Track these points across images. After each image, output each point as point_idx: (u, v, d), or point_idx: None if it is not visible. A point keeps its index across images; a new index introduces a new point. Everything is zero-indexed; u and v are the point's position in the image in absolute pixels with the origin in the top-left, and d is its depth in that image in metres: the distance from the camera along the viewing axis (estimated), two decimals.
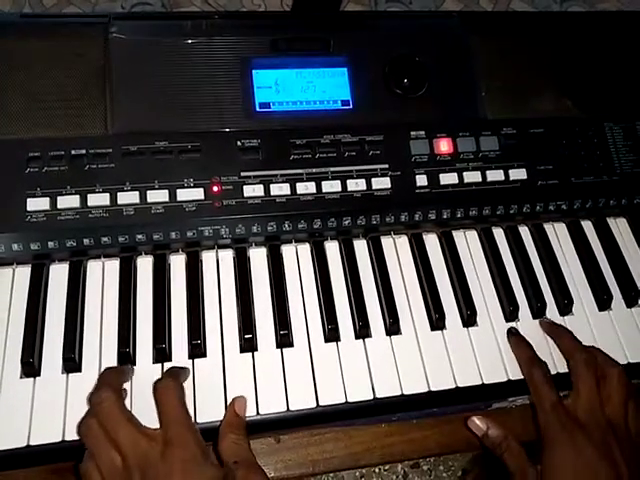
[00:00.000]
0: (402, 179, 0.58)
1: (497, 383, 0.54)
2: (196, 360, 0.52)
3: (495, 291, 0.59)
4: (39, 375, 0.50)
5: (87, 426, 0.44)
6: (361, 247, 0.59)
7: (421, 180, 0.59)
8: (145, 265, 0.56)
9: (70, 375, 0.50)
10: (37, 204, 0.52)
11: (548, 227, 0.63)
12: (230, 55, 0.60)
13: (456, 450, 0.56)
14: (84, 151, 0.54)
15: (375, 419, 0.54)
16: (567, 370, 0.53)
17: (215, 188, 0.55)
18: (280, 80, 0.60)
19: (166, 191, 0.54)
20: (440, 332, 0.56)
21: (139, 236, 0.54)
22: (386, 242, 0.60)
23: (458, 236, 0.61)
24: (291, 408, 0.50)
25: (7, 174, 0.53)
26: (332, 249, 0.59)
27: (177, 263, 0.56)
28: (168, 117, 0.57)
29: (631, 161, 0.63)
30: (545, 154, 0.62)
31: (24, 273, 0.54)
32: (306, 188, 0.56)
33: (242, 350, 0.53)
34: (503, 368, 0.54)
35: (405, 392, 0.52)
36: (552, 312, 0.58)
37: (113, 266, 0.55)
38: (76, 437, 0.46)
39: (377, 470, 1.15)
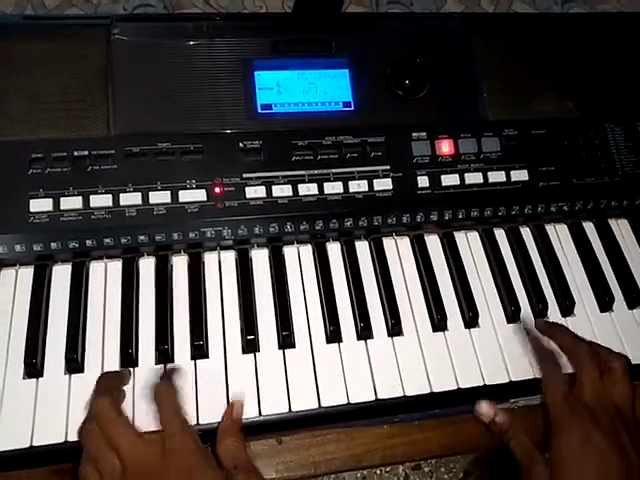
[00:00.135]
0: (404, 180, 0.58)
1: (499, 384, 0.53)
2: (198, 361, 0.52)
3: (497, 292, 0.59)
4: (42, 376, 0.50)
5: (87, 431, 0.44)
6: (363, 248, 0.59)
7: (423, 181, 0.59)
8: (147, 266, 0.56)
9: (73, 376, 0.50)
10: (40, 205, 0.52)
11: (550, 228, 0.63)
12: (232, 56, 0.60)
13: (458, 452, 0.56)
14: (86, 152, 0.54)
15: (377, 420, 0.54)
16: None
17: (217, 189, 0.55)
18: (282, 81, 0.60)
19: (168, 192, 0.54)
20: (442, 333, 0.56)
21: (141, 237, 0.54)
22: (388, 243, 0.60)
23: (460, 237, 0.61)
24: (293, 409, 0.50)
25: (10, 175, 0.53)
26: (334, 250, 0.59)
27: (179, 264, 0.56)
28: (170, 118, 0.57)
29: (632, 162, 0.63)
30: (546, 155, 0.62)
31: (27, 274, 0.54)
32: (308, 189, 0.56)
33: (244, 351, 0.53)
34: (505, 369, 0.54)
35: (407, 393, 0.52)
36: (554, 313, 0.58)
37: (115, 267, 0.55)
38: (77, 437, 0.46)
39: (378, 472, 1.15)
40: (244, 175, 0.56)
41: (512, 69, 0.65)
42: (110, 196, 0.53)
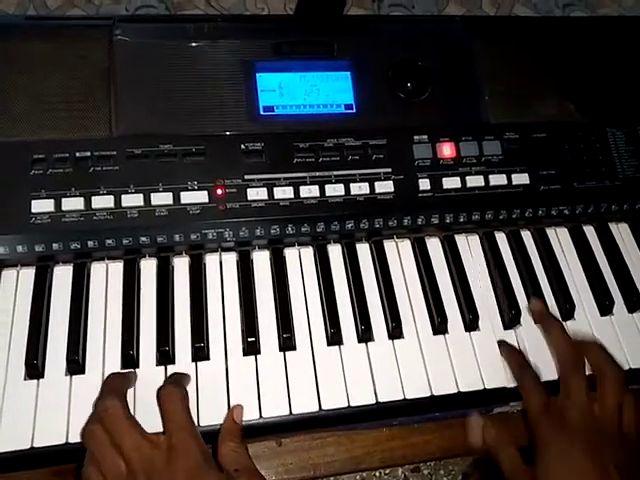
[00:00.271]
0: (405, 183, 0.59)
1: (499, 388, 0.54)
2: (199, 363, 0.52)
3: (497, 295, 0.59)
4: (43, 377, 0.50)
5: (91, 432, 0.44)
6: (364, 250, 0.59)
7: (424, 184, 0.59)
8: (149, 267, 0.56)
9: (74, 377, 0.50)
10: (41, 206, 0.52)
11: (550, 232, 0.63)
12: (234, 58, 0.60)
13: (457, 454, 0.57)
14: (88, 153, 0.54)
15: (377, 423, 0.54)
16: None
17: (219, 191, 0.55)
18: (284, 83, 0.60)
19: (170, 194, 0.54)
20: (442, 336, 0.56)
21: (143, 238, 0.54)
22: (389, 246, 0.60)
23: (460, 240, 0.61)
24: (293, 412, 0.50)
25: (12, 176, 0.53)
26: (335, 252, 0.59)
27: (180, 266, 0.56)
28: (172, 120, 0.57)
29: (633, 166, 0.64)
30: (548, 159, 0.62)
31: (28, 275, 0.54)
32: (309, 191, 0.57)
33: (245, 353, 0.53)
34: (505, 373, 0.54)
35: (407, 396, 0.52)
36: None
37: (117, 268, 0.55)
38: (80, 439, 0.46)
39: (377, 474, 1.15)
40: (246, 177, 0.56)
41: (513, 72, 0.65)
42: (112, 197, 0.53)
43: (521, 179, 0.61)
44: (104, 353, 0.51)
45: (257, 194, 0.56)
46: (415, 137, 0.60)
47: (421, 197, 0.59)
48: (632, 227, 0.65)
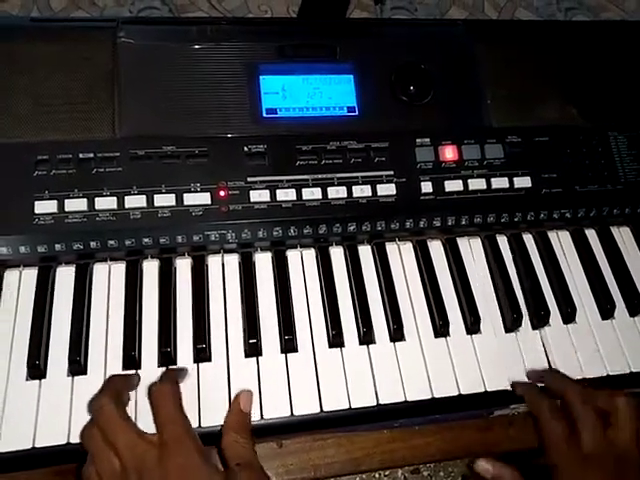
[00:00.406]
0: (407, 186, 0.59)
1: (500, 390, 0.54)
2: (201, 364, 0.52)
3: (498, 298, 0.59)
4: (45, 377, 0.50)
5: (88, 431, 0.44)
6: (366, 253, 0.60)
7: (426, 187, 0.59)
8: (151, 269, 0.56)
9: (75, 378, 0.50)
10: (45, 207, 0.52)
11: (552, 235, 0.63)
12: (237, 61, 0.60)
13: (457, 456, 0.57)
14: (92, 154, 0.55)
15: (378, 425, 0.54)
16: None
17: (222, 193, 0.55)
18: (287, 86, 0.60)
19: (173, 195, 0.54)
20: (444, 339, 0.56)
21: (145, 240, 0.55)
22: (391, 248, 0.60)
23: (462, 243, 0.62)
24: (295, 413, 0.50)
25: (15, 177, 0.53)
26: (337, 254, 0.59)
27: (183, 267, 0.57)
28: (175, 122, 0.57)
29: (635, 170, 0.64)
30: (550, 162, 0.62)
31: (31, 275, 0.54)
32: (312, 194, 0.57)
33: (247, 355, 0.53)
34: (506, 375, 0.54)
35: (408, 398, 0.52)
36: (555, 320, 0.58)
37: (119, 269, 0.56)
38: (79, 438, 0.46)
39: (377, 475, 1.15)
40: (248, 179, 0.56)
41: (516, 76, 0.65)
42: (115, 198, 0.54)
43: (523, 182, 0.61)
44: (106, 354, 0.52)
45: (260, 196, 0.56)
46: (417, 140, 0.60)
47: (423, 200, 0.59)
48: (634, 231, 0.65)
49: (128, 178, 0.54)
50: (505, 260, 0.61)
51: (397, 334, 0.55)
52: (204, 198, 0.55)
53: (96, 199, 0.53)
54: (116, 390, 0.47)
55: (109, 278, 0.55)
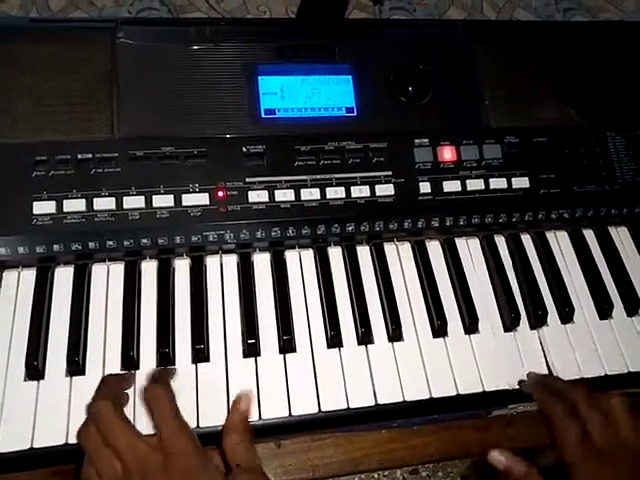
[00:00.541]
0: (405, 186, 0.59)
1: (498, 390, 0.54)
2: (199, 365, 0.52)
3: (497, 298, 0.59)
4: (43, 378, 0.50)
5: (86, 433, 0.44)
6: (364, 253, 0.60)
7: (424, 187, 0.59)
8: (150, 269, 0.56)
9: (74, 378, 0.50)
10: (43, 207, 0.52)
11: (550, 235, 0.63)
12: (236, 61, 0.60)
13: (456, 456, 0.57)
14: (90, 155, 0.55)
15: (376, 425, 0.54)
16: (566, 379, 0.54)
17: (220, 193, 0.55)
18: (285, 87, 0.60)
19: (171, 196, 0.54)
20: (442, 339, 0.56)
21: (144, 240, 0.55)
22: (389, 248, 0.60)
23: (460, 243, 0.62)
24: (293, 413, 0.50)
25: (14, 177, 0.53)
26: (335, 255, 0.59)
27: (181, 267, 0.57)
28: (174, 122, 0.57)
29: (633, 170, 0.64)
30: (548, 163, 0.62)
31: (29, 276, 0.54)
32: (310, 194, 0.57)
33: (245, 355, 0.53)
34: (504, 375, 0.54)
35: (407, 399, 0.52)
36: (553, 320, 0.58)
37: (118, 270, 0.56)
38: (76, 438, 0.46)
39: (376, 475, 1.15)
40: (247, 179, 0.56)
41: (514, 76, 0.65)
42: (113, 199, 0.54)
43: (521, 183, 0.61)
44: (104, 354, 0.52)
45: (258, 196, 0.56)
46: (416, 140, 0.61)
47: (421, 200, 0.59)
48: (631, 231, 0.65)
49: (127, 179, 0.54)
50: (503, 260, 0.61)
51: (395, 334, 0.55)
52: (203, 199, 0.55)
53: (95, 200, 0.53)
54: (113, 391, 0.47)
55: (107, 279, 0.55)
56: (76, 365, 0.50)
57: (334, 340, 0.54)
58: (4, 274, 0.54)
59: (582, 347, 0.57)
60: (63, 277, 0.55)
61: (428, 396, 0.52)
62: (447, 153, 0.60)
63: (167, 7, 0.86)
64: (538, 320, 0.58)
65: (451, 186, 0.59)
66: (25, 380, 0.50)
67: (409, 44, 0.64)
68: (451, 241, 0.61)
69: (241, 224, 0.56)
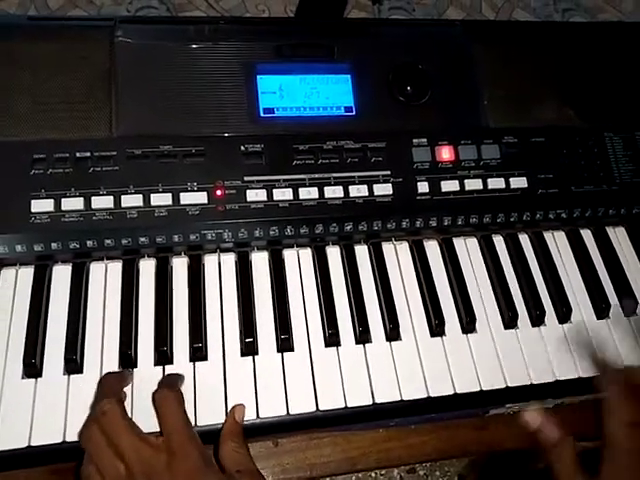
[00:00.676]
0: (404, 186, 0.59)
1: (495, 389, 0.54)
2: (197, 363, 0.52)
3: (494, 298, 0.59)
4: (41, 376, 0.50)
5: (89, 433, 0.44)
6: (362, 253, 0.60)
7: (422, 187, 0.59)
8: (147, 268, 0.56)
9: (72, 376, 0.50)
10: (41, 206, 0.52)
11: (548, 235, 0.64)
12: (235, 60, 0.60)
13: (453, 455, 0.57)
14: (89, 154, 0.55)
15: (374, 424, 0.54)
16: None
17: (218, 192, 0.55)
18: (284, 86, 0.60)
19: (170, 194, 0.54)
20: (439, 338, 0.56)
21: (142, 239, 0.55)
22: (387, 248, 0.60)
23: (458, 243, 0.62)
24: (291, 412, 0.50)
25: (12, 175, 0.53)
26: (333, 254, 0.59)
27: (179, 266, 0.57)
28: (172, 121, 0.57)
29: (630, 171, 0.64)
30: (546, 163, 0.62)
31: (27, 274, 0.54)
32: (308, 193, 0.57)
33: (243, 354, 0.53)
34: (501, 375, 0.54)
35: (404, 398, 0.52)
36: (551, 320, 0.59)
37: (116, 268, 0.56)
38: (77, 438, 0.46)
39: (373, 474, 1.16)
40: (245, 178, 0.56)
41: (513, 77, 0.65)
42: (111, 197, 0.54)
43: (519, 183, 0.61)
44: (102, 352, 0.52)
45: (256, 195, 0.56)
46: (414, 140, 0.61)
47: (419, 200, 0.59)
48: (629, 231, 0.65)
49: (125, 177, 0.54)
50: (501, 260, 0.61)
51: (393, 333, 0.55)
52: (201, 197, 0.55)
53: (93, 198, 0.53)
54: (115, 391, 0.47)
55: (105, 277, 0.55)
56: (74, 363, 0.50)
57: (332, 339, 0.54)
58: (2, 272, 0.54)
59: (580, 347, 0.57)
60: (61, 275, 0.55)
61: (425, 395, 0.53)
62: (445, 153, 0.61)
63: (166, 5, 0.86)
64: (536, 320, 0.58)
65: (449, 186, 0.59)
66: (23, 378, 0.50)
67: (408, 44, 0.65)
68: (449, 241, 0.62)
69: (239, 223, 0.56)
